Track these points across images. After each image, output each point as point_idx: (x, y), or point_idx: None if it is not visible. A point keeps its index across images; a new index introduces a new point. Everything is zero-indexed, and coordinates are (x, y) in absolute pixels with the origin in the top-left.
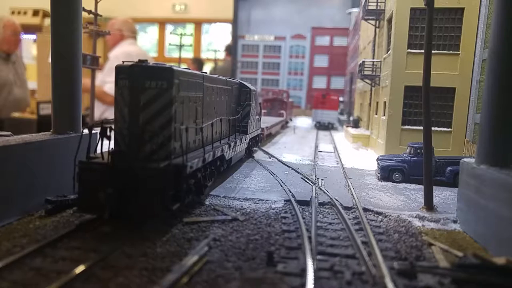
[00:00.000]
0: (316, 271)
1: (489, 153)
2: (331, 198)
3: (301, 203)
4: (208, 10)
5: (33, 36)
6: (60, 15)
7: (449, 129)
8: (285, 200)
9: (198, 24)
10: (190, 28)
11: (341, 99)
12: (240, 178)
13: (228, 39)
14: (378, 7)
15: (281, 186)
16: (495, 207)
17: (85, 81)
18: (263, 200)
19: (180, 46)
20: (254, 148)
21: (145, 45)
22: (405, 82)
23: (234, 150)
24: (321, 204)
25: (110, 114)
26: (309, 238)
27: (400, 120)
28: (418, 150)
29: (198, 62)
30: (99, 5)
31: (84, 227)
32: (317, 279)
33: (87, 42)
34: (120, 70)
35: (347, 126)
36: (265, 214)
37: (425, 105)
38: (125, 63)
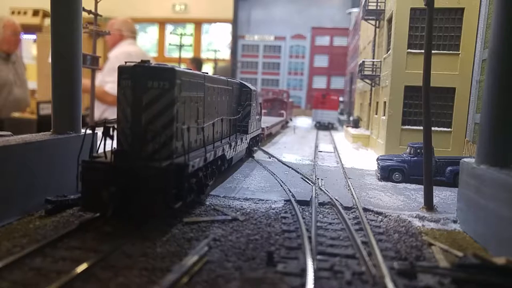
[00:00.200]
0: (316, 271)
1: (489, 153)
2: (331, 198)
3: (301, 203)
4: (208, 10)
5: (33, 36)
6: (60, 15)
7: (449, 129)
8: (285, 200)
9: (198, 24)
10: (190, 28)
11: (341, 99)
12: (240, 178)
13: (229, 39)
14: (378, 7)
15: (281, 186)
16: (495, 207)
17: (85, 81)
18: (263, 200)
19: (180, 46)
20: (254, 148)
21: (145, 45)
22: (405, 82)
23: (234, 149)
24: (321, 204)
25: (109, 114)
26: (309, 238)
27: (400, 120)
28: (418, 150)
29: (197, 62)
30: (99, 5)
31: (84, 227)
32: (317, 279)
33: (87, 42)
34: (123, 71)
35: (347, 126)
36: (265, 214)
37: (425, 105)
38: (127, 63)
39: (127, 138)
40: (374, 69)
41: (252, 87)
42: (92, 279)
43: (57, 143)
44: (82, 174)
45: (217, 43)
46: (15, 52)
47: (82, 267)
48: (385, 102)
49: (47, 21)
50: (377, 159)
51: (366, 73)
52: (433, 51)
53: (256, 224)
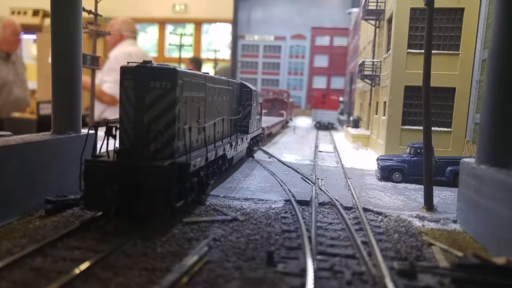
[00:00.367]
0: (316, 271)
1: (489, 153)
2: (331, 198)
3: (301, 203)
4: (208, 10)
5: (33, 36)
6: (60, 15)
7: (449, 129)
8: (285, 200)
9: (198, 24)
10: (190, 28)
11: (341, 99)
12: (240, 178)
13: (229, 39)
14: (378, 7)
15: (281, 186)
16: (495, 207)
17: (85, 78)
18: (263, 200)
19: (180, 46)
20: (255, 148)
21: (145, 45)
22: (405, 82)
23: (235, 149)
24: (321, 204)
25: (109, 113)
26: (309, 238)
27: (400, 120)
28: (418, 150)
29: (196, 62)
30: (99, 5)
31: (85, 226)
32: (317, 279)
33: (87, 42)
34: (125, 71)
35: (347, 126)
36: (265, 214)
37: (425, 105)
38: (130, 64)
39: (129, 138)
40: (374, 69)
41: (253, 87)
42: (92, 279)
43: (57, 143)
44: (85, 173)
45: (217, 43)
46: (15, 52)
47: (82, 267)
48: (385, 102)
49: (47, 21)
50: (377, 159)
51: (366, 73)
52: (433, 51)
53: (256, 224)
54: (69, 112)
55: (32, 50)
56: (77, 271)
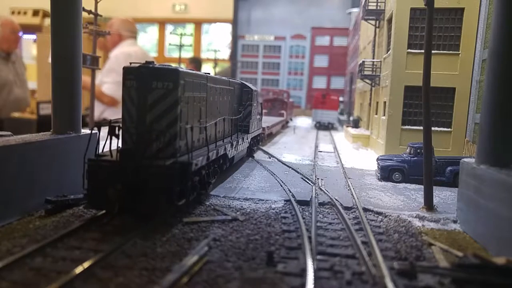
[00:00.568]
0: (316, 271)
1: (489, 153)
2: (331, 198)
3: (301, 203)
4: (208, 10)
5: (33, 36)
6: (60, 15)
7: (449, 129)
8: (285, 200)
9: (198, 24)
10: (190, 28)
11: (341, 99)
12: (240, 178)
13: (228, 39)
14: (378, 7)
15: (281, 186)
16: (495, 207)
17: (85, 78)
18: (263, 200)
19: (180, 46)
20: (255, 148)
21: (145, 45)
22: (405, 82)
23: (236, 149)
24: (321, 204)
25: (109, 114)
26: (309, 238)
27: (400, 120)
28: (418, 150)
29: (196, 62)
30: (99, 5)
31: (84, 226)
32: (317, 279)
33: (87, 42)
34: (128, 71)
35: (347, 126)
36: (265, 214)
37: (425, 105)
38: (132, 64)
39: (132, 137)
40: (374, 69)
41: (253, 87)
42: (92, 279)
43: (57, 143)
44: (88, 172)
45: (217, 43)
46: (15, 51)
47: (82, 267)
48: (385, 102)
49: (47, 21)
50: (377, 159)
51: (366, 73)
52: (433, 51)
53: (256, 224)
54: (69, 112)
55: (32, 50)
56: (77, 271)
